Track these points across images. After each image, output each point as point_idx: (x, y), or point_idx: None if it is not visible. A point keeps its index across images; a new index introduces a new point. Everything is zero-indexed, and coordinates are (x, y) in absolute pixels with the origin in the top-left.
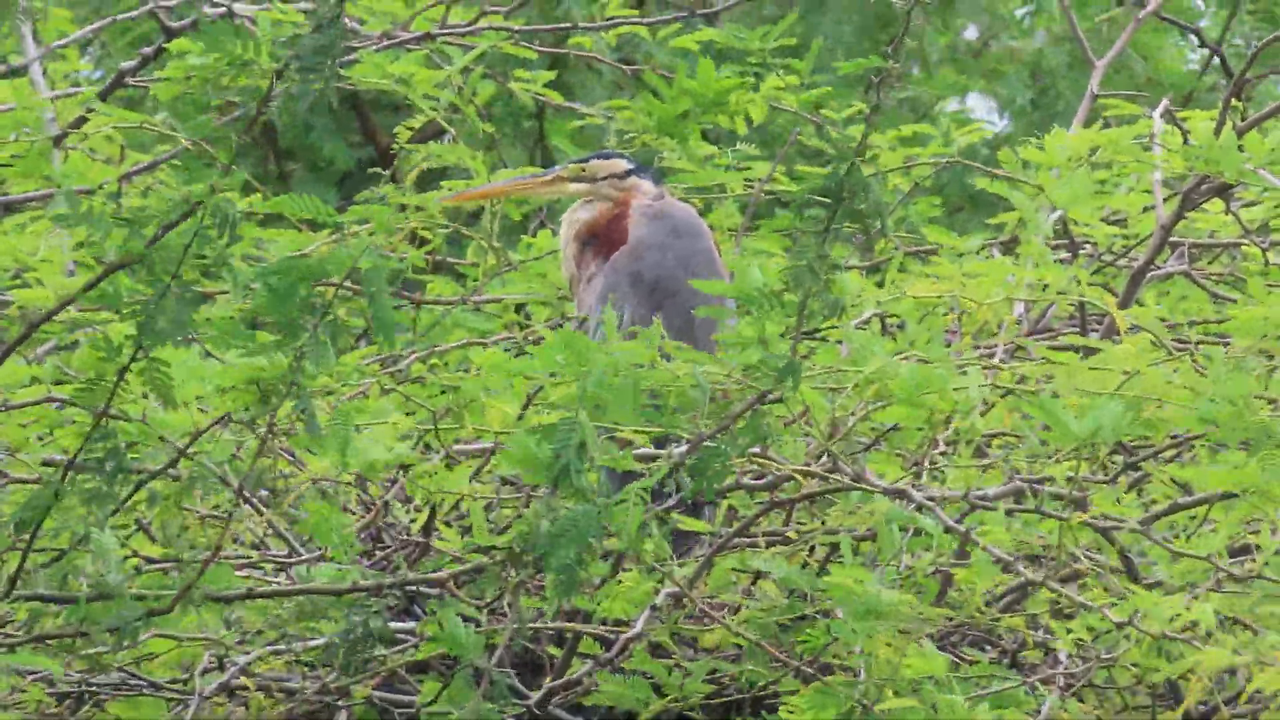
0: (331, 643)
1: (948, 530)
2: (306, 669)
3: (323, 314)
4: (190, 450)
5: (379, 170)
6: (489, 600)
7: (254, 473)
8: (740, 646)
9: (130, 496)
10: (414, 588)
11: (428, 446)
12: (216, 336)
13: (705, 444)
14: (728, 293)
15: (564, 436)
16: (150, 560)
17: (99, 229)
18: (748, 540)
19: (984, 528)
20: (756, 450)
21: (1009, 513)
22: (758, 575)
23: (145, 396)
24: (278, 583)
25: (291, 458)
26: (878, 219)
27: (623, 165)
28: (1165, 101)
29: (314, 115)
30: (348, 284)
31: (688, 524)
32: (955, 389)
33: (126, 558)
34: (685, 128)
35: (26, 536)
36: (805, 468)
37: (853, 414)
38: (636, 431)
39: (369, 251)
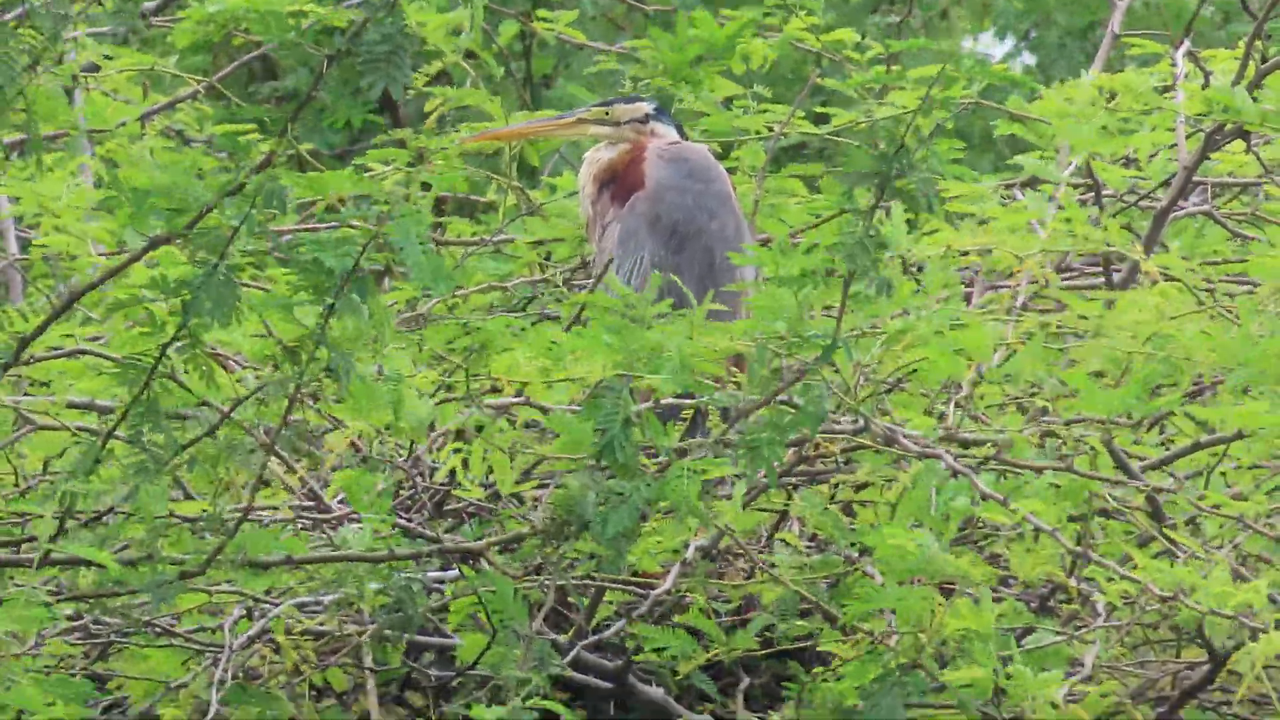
0: (378, 625)
1: (984, 498)
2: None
3: (350, 271)
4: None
5: (377, 119)
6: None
7: (286, 430)
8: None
9: (171, 461)
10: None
11: (449, 389)
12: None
13: (757, 425)
14: (754, 262)
15: (609, 412)
16: (185, 519)
17: (140, 207)
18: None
19: (1023, 502)
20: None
21: (1039, 471)
22: (781, 519)
23: (185, 373)
24: (312, 537)
25: (333, 420)
26: (928, 201)
27: (645, 108)
28: (1186, 42)
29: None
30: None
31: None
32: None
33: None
34: (698, 74)
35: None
36: (835, 431)
37: (879, 363)
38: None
39: (400, 205)
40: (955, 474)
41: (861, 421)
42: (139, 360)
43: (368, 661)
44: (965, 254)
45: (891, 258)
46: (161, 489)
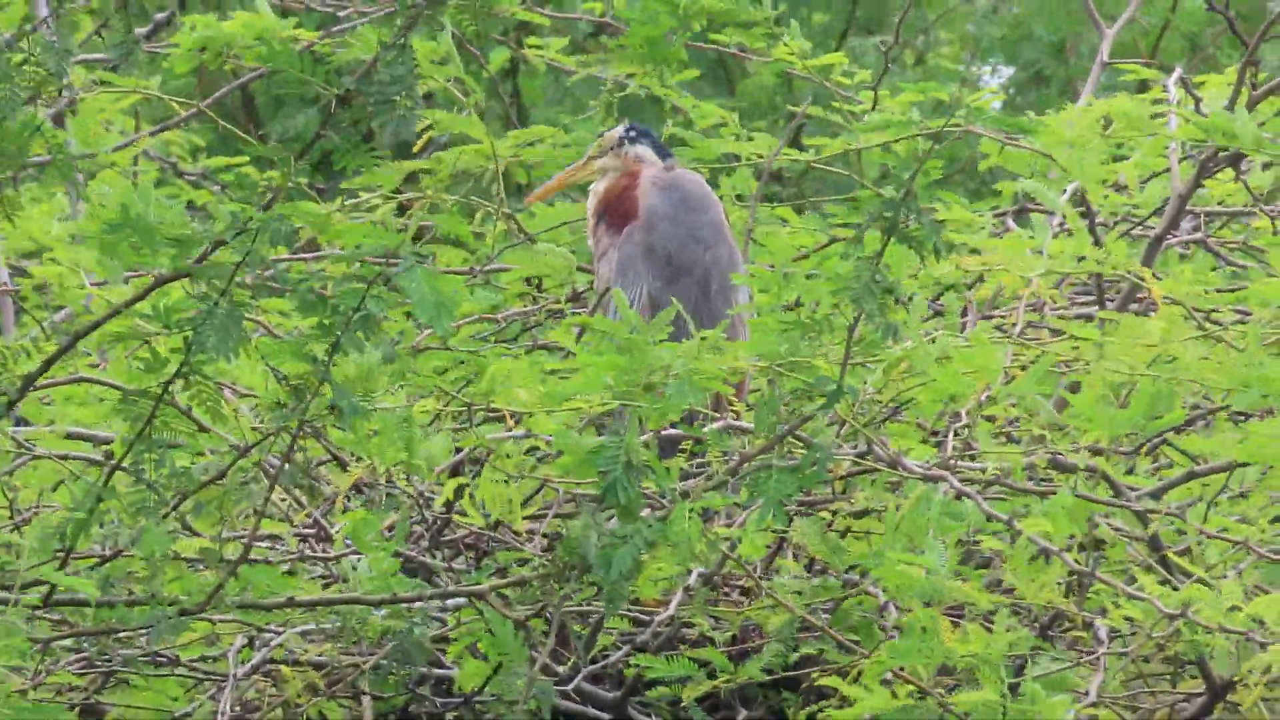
0: (379, 664)
1: (989, 519)
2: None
3: (356, 308)
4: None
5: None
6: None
7: (290, 467)
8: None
9: (176, 506)
10: (438, 564)
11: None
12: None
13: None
14: (755, 284)
15: (611, 454)
16: (188, 560)
17: (148, 243)
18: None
19: (1026, 521)
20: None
21: (1042, 496)
22: (779, 547)
23: (189, 411)
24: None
25: (336, 459)
26: (935, 249)
27: (618, 132)
28: (1179, 69)
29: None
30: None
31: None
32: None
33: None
34: (673, 49)
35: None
36: (840, 454)
37: (879, 391)
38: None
39: (407, 251)
40: (959, 496)
41: (864, 445)
42: (143, 394)
43: (365, 693)
44: (957, 285)
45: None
46: (163, 532)
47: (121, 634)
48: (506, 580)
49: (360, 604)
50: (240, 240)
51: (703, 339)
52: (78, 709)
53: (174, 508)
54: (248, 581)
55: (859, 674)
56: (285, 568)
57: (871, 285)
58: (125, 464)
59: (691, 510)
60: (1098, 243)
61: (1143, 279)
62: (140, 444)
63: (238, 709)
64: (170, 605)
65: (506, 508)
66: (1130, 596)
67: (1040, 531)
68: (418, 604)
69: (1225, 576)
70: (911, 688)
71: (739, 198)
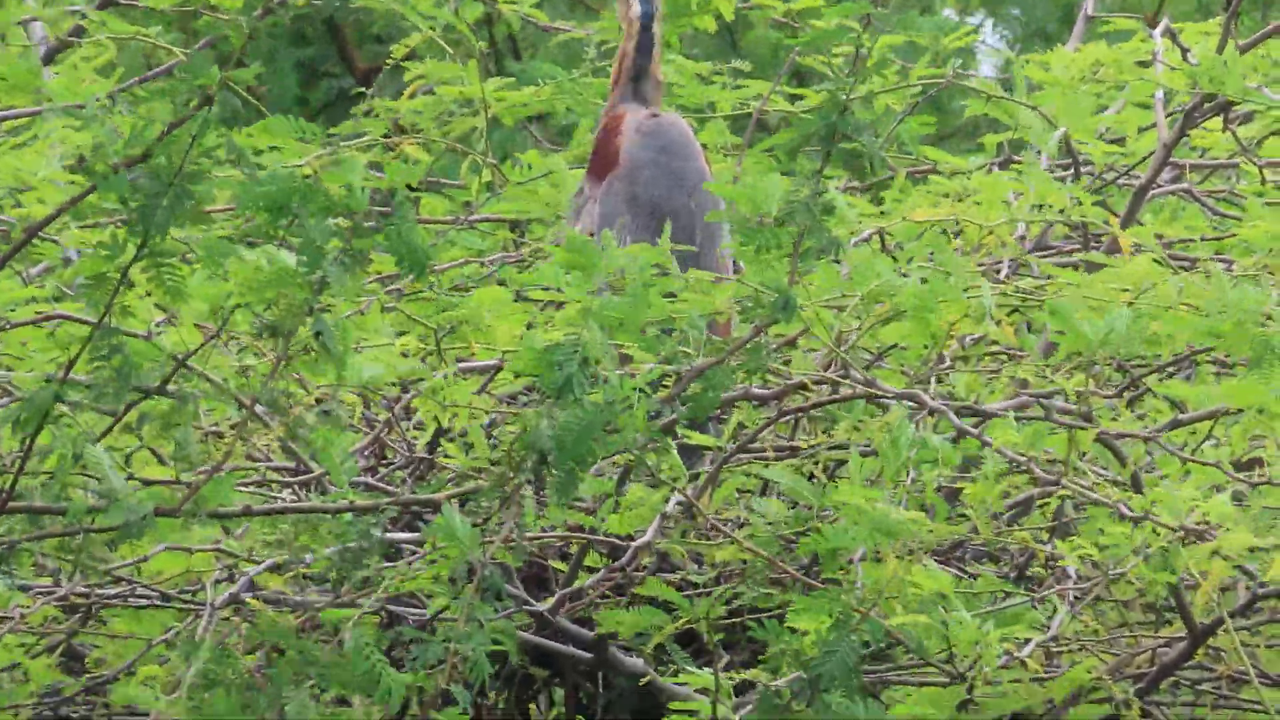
0: (331, 559)
1: (960, 435)
2: (312, 583)
3: (345, 244)
4: (189, 365)
5: (363, 90)
6: (488, 515)
7: (267, 393)
8: (745, 563)
9: (125, 413)
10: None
11: (427, 362)
12: (210, 256)
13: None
14: (727, 218)
15: (567, 351)
16: (148, 482)
17: (107, 132)
18: (755, 453)
19: (995, 434)
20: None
21: (1019, 420)
22: (764, 488)
23: (148, 295)
24: (281, 499)
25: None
26: (871, 160)
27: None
28: (1165, 20)
29: (276, 41)
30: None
31: (694, 438)
32: (969, 296)
33: (126, 477)
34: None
35: (21, 447)
36: (816, 374)
37: (857, 329)
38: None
39: (402, 173)
40: (932, 413)
41: (841, 369)
42: (102, 278)
43: (346, 636)
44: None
45: (869, 236)
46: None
47: (91, 529)
48: (462, 489)
49: (317, 512)
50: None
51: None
52: (59, 650)
53: (123, 415)
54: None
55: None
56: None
57: (811, 202)
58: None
59: (637, 390)
60: (1078, 187)
61: (1115, 228)
62: (99, 334)
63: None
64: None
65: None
66: (1096, 502)
67: (1010, 443)
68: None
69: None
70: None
71: (722, 149)
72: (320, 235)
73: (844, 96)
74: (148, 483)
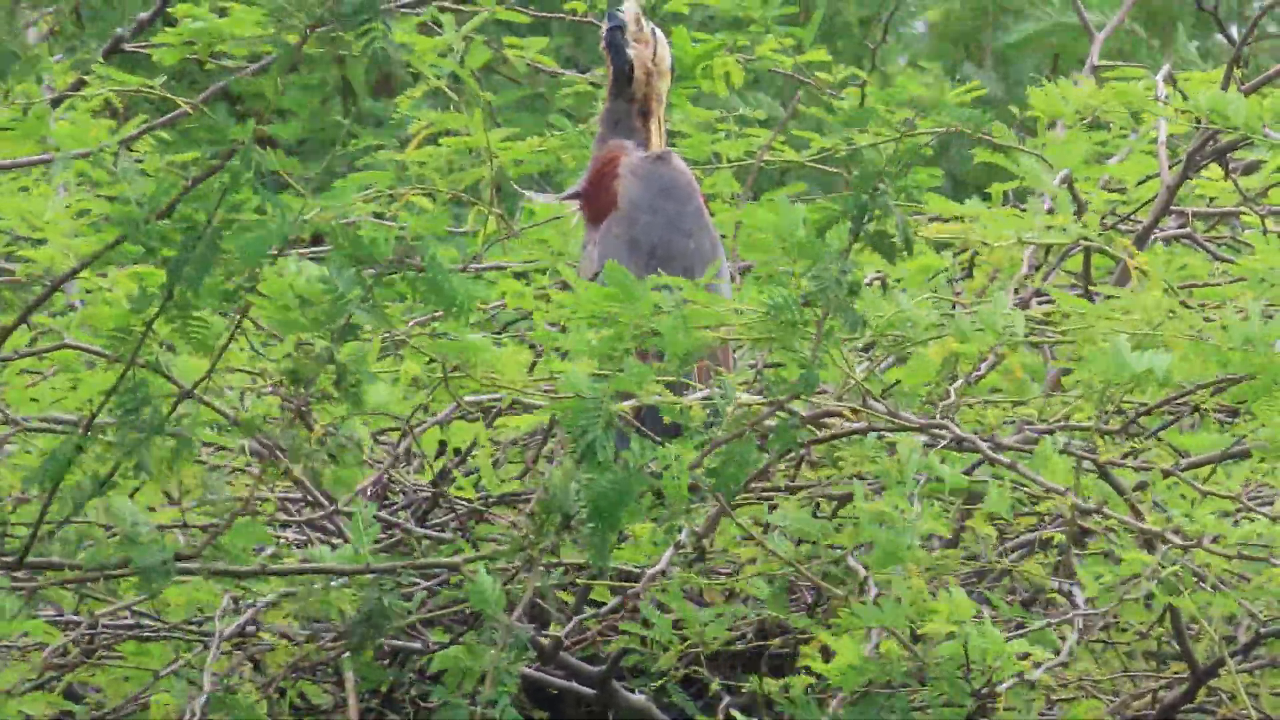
0: (348, 628)
1: (992, 461)
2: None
3: (366, 295)
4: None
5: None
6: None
7: (286, 437)
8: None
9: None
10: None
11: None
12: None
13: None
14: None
15: (590, 413)
16: (163, 527)
17: (131, 183)
18: (763, 488)
19: (1049, 464)
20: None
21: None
22: (765, 530)
23: (172, 348)
24: (286, 538)
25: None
26: (902, 241)
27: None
28: (1167, 66)
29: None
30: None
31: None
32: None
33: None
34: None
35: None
36: (840, 405)
37: (868, 363)
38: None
39: (430, 241)
40: (959, 443)
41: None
42: (128, 332)
43: (348, 676)
44: (949, 270)
45: (872, 280)
46: (128, 503)
47: (112, 574)
48: (483, 554)
49: (335, 574)
50: (220, 176)
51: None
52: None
53: (141, 466)
54: (224, 546)
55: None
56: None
57: (839, 280)
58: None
59: (678, 457)
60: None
61: (1130, 254)
62: (124, 386)
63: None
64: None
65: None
66: (1142, 531)
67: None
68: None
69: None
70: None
71: (734, 196)
72: (345, 283)
73: (876, 174)
74: (161, 528)
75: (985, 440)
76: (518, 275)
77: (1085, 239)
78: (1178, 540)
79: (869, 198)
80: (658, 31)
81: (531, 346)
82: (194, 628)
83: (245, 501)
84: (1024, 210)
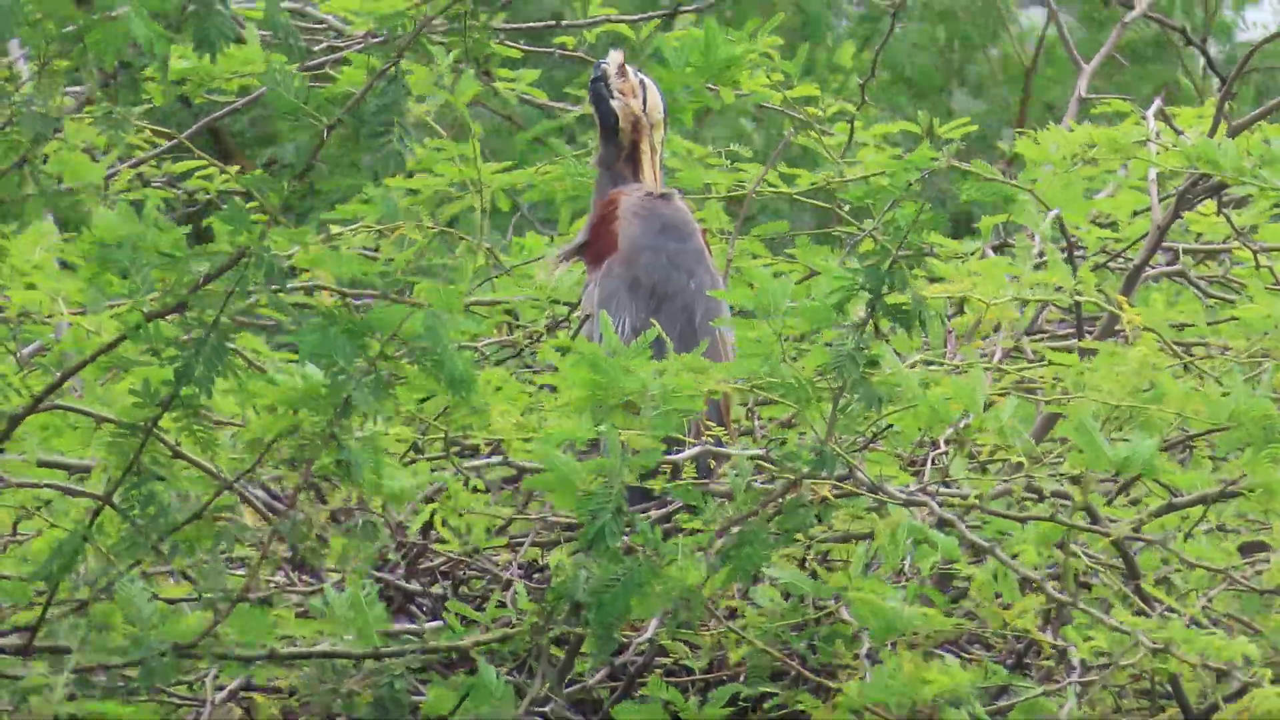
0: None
1: (971, 546)
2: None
3: (368, 369)
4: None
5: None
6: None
7: (288, 523)
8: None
9: (155, 546)
10: (414, 595)
11: (419, 450)
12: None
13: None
14: (735, 299)
15: (600, 500)
16: (171, 601)
17: (139, 271)
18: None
19: (1017, 549)
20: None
21: (1022, 521)
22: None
23: (178, 444)
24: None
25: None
26: (919, 314)
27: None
28: (1158, 101)
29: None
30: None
31: (688, 523)
32: (970, 392)
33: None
34: (678, 108)
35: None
36: (821, 477)
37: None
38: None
39: (429, 314)
40: (940, 522)
41: (845, 470)
42: (133, 427)
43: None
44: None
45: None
46: (139, 586)
47: (113, 667)
48: (491, 635)
49: (342, 658)
50: (233, 271)
51: (680, 360)
52: None
53: (152, 547)
54: (232, 630)
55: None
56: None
57: (855, 355)
58: (113, 501)
59: (684, 548)
60: (1075, 271)
61: (1120, 307)
62: (129, 480)
63: None
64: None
65: (484, 534)
66: (1112, 628)
67: (1016, 555)
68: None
69: (1199, 603)
70: None
71: (723, 231)
72: (345, 357)
73: (893, 249)
74: (170, 601)
75: (974, 506)
76: (508, 311)
77: (1079, 295)
78: (1187, 658)
79: (887, 270)
80: (646, 81)
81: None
82: (187, 689)
83: (246, 588)
84: (1013, 255)
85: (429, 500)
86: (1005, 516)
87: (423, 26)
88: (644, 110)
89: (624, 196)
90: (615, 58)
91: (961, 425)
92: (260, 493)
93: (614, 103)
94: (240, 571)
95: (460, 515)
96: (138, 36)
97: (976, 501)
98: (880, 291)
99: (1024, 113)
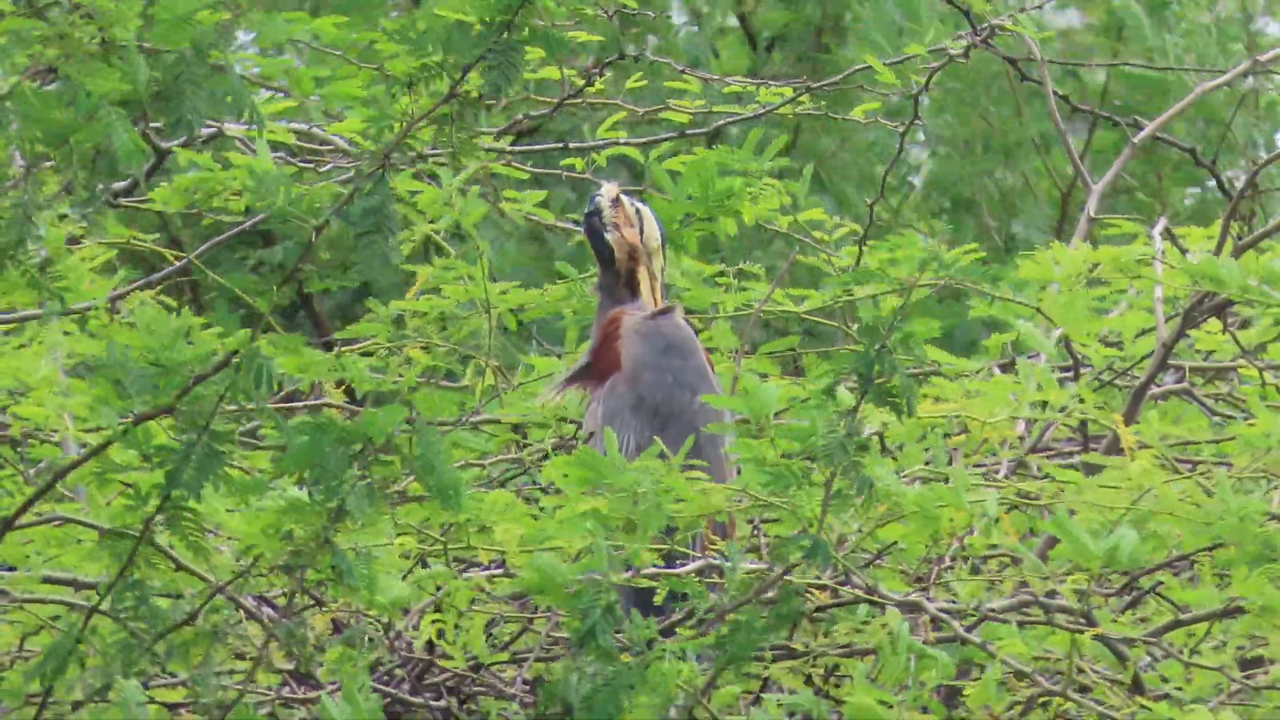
0: None
1: (964, 642)
2: None
3: (360, 475)
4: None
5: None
6: None
7: (282, 630)
8: None
9: (149, 648)
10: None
11: (425, 564)
12: (244, 488)
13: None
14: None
15: (590, 599)
16: (169, 706)
17: (131, 378)
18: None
19: (1000, 641)
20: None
21: (1020, 625)
22: (758, 698)
23: (171, 546)
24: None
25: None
26: (908, 401)
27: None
28: (1163, 220)
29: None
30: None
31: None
32: (971, 501)
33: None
34: (682, 235)
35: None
36: (817, 581)
37: (858, 530)
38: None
39: (421, 427)
40: (934, 621)
41: (842, 575)
42: (123, 534)
43: None
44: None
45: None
46: (135, 687)
47: None
48: None
49: None
50: (223, 375)
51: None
52: None
53: (147, 649)
54: None
55: None
56: (265, 710)
57: (845, 442)
58: (106, 606)
59: (669, 650)
60: (1080, 388)
61: (1115, 425)
62: (121, 585)
63: None
64: None
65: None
66: (1106, 717)
67: (1015, 654)
68: None
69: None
70: None
71: (732, 351)
72: (337, 465)
73: (884, 324)
74: (169, 706)
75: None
76: (515, 428)
77: (1083, 415)
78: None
79: (876, 355)
80: (643, 209)
81: (528, 500)
82: None
83: (239, 695)
84: (1016, 375)
85: (436, 609)
86: (1002, 620)
87: (409, 129)
88: (641, 239)
89: (626, 316)
90: (609, 190)
91: (964, 540)
92: (250, 602)
93: (608, 235)
94: (237, 684)
95: (459, 623)
96: (117, 144)
97: (974, 613)
98: (870, 374)
99: (1061, 231)
